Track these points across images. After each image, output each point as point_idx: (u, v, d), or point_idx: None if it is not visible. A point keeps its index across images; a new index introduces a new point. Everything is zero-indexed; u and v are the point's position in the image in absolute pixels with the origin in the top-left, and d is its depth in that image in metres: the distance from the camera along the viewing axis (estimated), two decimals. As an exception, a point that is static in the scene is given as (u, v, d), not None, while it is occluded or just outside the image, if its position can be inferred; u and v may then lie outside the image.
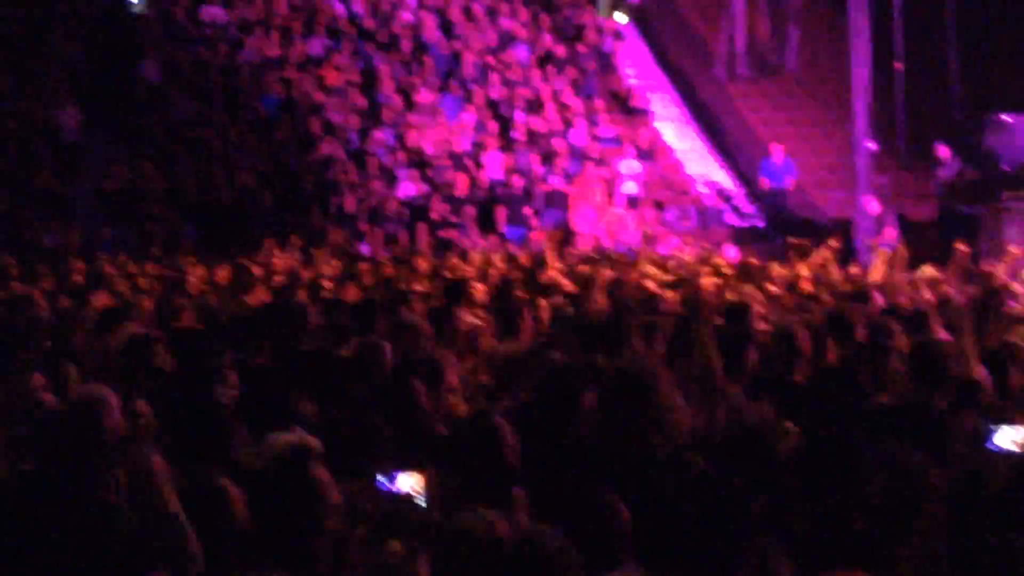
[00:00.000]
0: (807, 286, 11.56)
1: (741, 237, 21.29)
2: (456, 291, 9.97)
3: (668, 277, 11.72)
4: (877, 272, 12.41)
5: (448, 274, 11.81)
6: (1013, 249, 12.76)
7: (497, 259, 14.50)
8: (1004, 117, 19.46)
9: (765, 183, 22.22)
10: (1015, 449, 3.98)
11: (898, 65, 20.34)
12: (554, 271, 11.95)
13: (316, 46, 25.92)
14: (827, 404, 5.83)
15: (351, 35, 26.27)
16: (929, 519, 4.02)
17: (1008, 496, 4.35)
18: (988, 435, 4.02)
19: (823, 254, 13.09)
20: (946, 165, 19.31)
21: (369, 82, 25.29)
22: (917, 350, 6.31)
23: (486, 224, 22.25)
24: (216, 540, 4.46)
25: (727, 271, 13.15)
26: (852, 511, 4.36)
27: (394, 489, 3.65)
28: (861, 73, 19.32)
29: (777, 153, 22.00)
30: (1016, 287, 11.06)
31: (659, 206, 23.00)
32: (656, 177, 23.96)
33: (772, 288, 12.02)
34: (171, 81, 24.46)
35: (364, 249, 21.09)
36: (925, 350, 6.22)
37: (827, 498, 4.39)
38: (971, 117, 20.47)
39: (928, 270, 11.89)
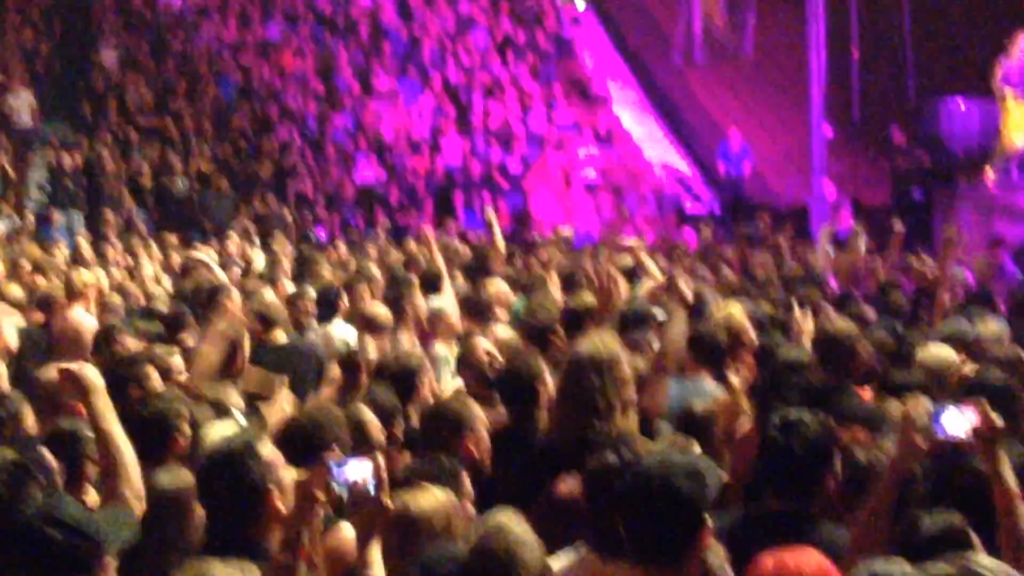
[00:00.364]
0: (760, 272, 11.64)
1: (698, 222, 21.35)
2: (433, 281, 9.99)
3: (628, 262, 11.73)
4: (824, 255, 12.49)
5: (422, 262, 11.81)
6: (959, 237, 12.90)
7: (460, 245, 14.48)
8: (958, 102, 19.61)
9: (722, 169, 22.32)
10: (960, 433, 4.02)
11: (854, 51, 20.44)
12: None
13: (273, 31, 25.81)
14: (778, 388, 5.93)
15: (308, 20, 26.18)
16: (875, 498, 4.08)
17: (945, 477, 4.43)
18: (935, 418, 4.06)
19: (777, 240, 13.19)
20: (905, 152, 19.46)
21: (327, 67, 25.21)
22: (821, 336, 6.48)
23: (444, 209, 22.23)
24: (175, 531, 4.49)
25: (686, 257, 13.24)
26: (805, 491, 4.44)
27: (345, 476, 3.66)
28: (817, 59, 19.41)
29: (734, 139, 22.09)
30: (960, 274, 11.12)
31: (617, 192, 23.05)
32: (614, 163, 24.00)
33: (727, 273, 12.10)
34: (128, 67, 24.31)
35: (321, 234, 21.06)
36: (827, 336, 6.40)
37: (780, 478, 4.47)
38: (926, 102, 20.62)
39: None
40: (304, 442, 4.65)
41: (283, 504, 4.03)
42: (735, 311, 7.46)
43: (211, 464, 4.18)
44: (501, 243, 12.04)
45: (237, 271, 12.37)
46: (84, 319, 8.71)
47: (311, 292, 9.92)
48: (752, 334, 7.21)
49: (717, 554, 3.78)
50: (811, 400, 5.34)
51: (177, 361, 6.83)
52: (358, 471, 3.67)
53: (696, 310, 7.93)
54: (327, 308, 9.53)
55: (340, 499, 3.75)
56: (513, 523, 3.62)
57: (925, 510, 4.09)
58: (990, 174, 17.92)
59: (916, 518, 4.00)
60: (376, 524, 3.70)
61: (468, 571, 3.53)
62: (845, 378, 6.22)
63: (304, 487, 3.62)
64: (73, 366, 4.56)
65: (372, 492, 3.65)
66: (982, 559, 2.87)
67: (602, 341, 5.53)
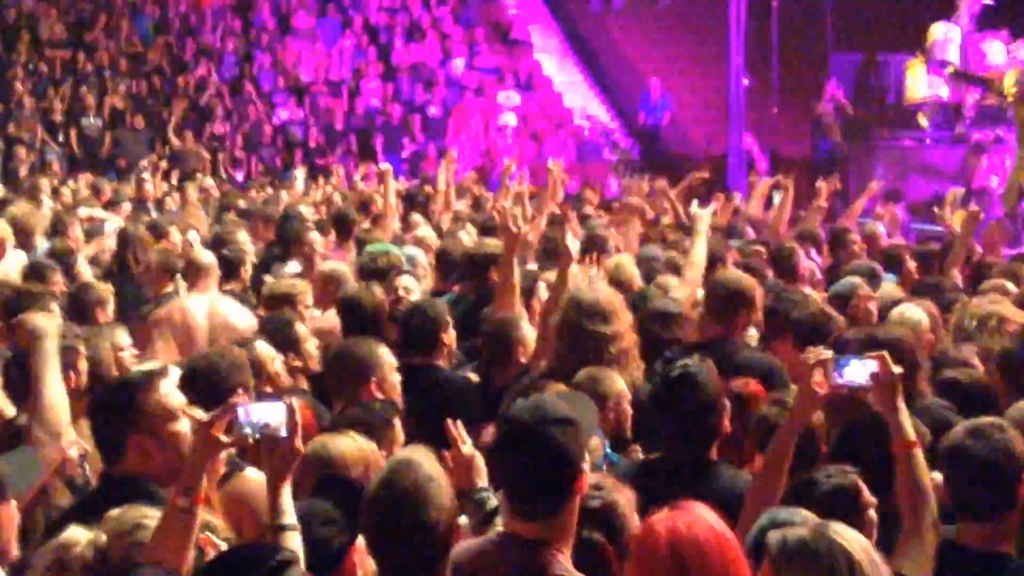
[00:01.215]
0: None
1: (617, 171, 21.40)
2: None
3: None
4: (754, 206, 12.54)
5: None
6: (872, 185, 13.04)
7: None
8: (882, 57, 19.76)
9: (642, 118, 22.37)
10: (862, 382, 4.05)
11: (774, 2, 20.49)
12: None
13: (192, -34, 25.40)
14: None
15: (227, -45, 25.80)
16: (775, 446, 4.11)
17: (845, 435, 4.48)
18: (837, 367, 4.08)
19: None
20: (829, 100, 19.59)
21: (246, 4, 24.86)
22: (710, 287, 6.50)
23: (364, 152, 22.09)
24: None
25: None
26: (700, 438, 4.48)
27: (255, 418, 3.54)
28: (737, 9, 19.44)
29: (655, 88, 22.13)
30: (871, 227, 11.17)
31: (537, 138, 23.01)
32: (535, 109, 23.95)
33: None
34: (42, 1, 23.83)
35: (239, 176, 20.85)
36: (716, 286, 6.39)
37: (672, 427, 4.50)
38: (847, 56, 20.76)
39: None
40: (201, 385, 4.57)
41: (172, 448, 3.91)
42: (624, 261, 7.58)
43: (90, 401, 4.15)
44: (442, 186, 12.12)
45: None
46: None
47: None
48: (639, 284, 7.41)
49: (626, 497, 3.79)
50: (692, 350, 5.35)
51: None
52: (269, 414, 3.57)
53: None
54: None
55: (246, 444, 3.68)
56: (423, 459, 3.59)
57: (820, 465, 4.13)
58: (923, 122, 18.07)
59: (809, 474, 4.05)
60: (287, 469, 3.60)
61: (375, 504, 3.49)
62: (732, 330, 6.09)
63: (203, 429, 3.53)
64: (24, 316, 4.64)
65: (284, 435, 3.56)
66: (842, 529, 2.93)
67: (606, 290, 5.49)
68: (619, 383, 5.14)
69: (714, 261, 7.98)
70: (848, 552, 2.86)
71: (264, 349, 5.47)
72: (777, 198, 12.00)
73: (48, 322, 4.62)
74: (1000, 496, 3.89)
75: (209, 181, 16.66)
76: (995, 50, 16.83)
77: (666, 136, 22.26)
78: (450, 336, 6.03)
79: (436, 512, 3.44)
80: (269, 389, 5.20)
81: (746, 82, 19.86)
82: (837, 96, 19.86)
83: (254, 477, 4.32)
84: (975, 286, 7.98)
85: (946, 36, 16.98)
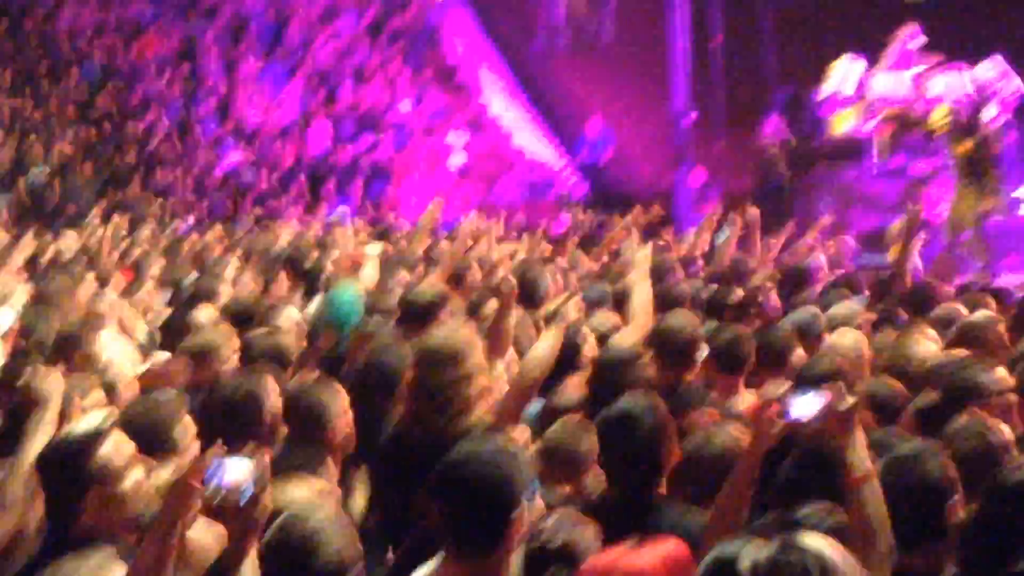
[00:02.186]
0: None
1: (566, 207, 21.49)
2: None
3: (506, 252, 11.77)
4: (703, 241, 12.61)
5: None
6: (823, 219, 13.15)
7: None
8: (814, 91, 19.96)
9: (583, 155, 22.51)
10: (814, 416, 4.08)
11: (716, 38, 20.69)
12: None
13: (137, 12, 25.35)
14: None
15: (173, 1, 25.76)
16: (731, 482, 4.16)
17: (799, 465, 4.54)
18: (789, 401, 4.12)
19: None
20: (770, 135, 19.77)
21: (192, 50, 24.84)
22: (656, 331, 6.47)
23: (315, 196, 22.09)
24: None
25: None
26: (646, 476, 4.53)
27: (221, 477, 3.43)
28: (680, 46, 19.62)
29: (593, 126, 22.24)
30: (818, 256, 11.29)
31: (486, 179, 23.09)
32: (483, 149, 24.04)
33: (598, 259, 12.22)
34: (-15, 48, 23.71)
35: (188, 221, 20.77)
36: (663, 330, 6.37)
37: (619, 467, 4.55)
38: (790, 90, 20.97)
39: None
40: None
41: (125, 502, 3.88)
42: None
43: (39, 459, 4.06)
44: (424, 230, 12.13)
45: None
46: None
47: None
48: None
49: (590, 530, 3.82)
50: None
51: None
52: (235, 473, 3.46)
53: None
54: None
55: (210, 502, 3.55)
56: (320, 506, 3.64)
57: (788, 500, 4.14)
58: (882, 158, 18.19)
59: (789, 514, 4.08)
60: (249, 534, 3.55)
61: (268, 553, 3.52)
62: (683, 373, 6.10)
63: (182, 481, 3.46)
64: (31, 379, 4.65)
65: (244, 499, 3.45)
66: (809, 538, 2.91)
67: (452, 332, 5.36)
68: None
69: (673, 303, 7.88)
70: (820, 556, 2.86)
71: (272, 386, 5.24)
72: (724, 234, 12.06)
73: (53, 387, 4.61)
74: (926, 525, 3.92)
75: (171, 226, 16.65)
76: (902, 83, 16.96)
77: (613, 173, 22.39)
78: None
79: (328, 560, 3.47)
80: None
81: (692, 116, 20.03)
82: (780, 130, 20.05)
83: (203, 528, 4.14)
84: (920, 312, 7.95)
85: (846, 72, 17.15)
